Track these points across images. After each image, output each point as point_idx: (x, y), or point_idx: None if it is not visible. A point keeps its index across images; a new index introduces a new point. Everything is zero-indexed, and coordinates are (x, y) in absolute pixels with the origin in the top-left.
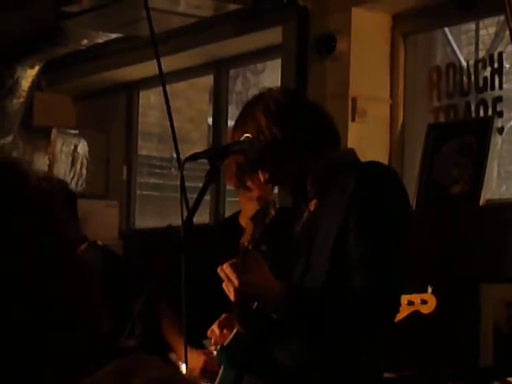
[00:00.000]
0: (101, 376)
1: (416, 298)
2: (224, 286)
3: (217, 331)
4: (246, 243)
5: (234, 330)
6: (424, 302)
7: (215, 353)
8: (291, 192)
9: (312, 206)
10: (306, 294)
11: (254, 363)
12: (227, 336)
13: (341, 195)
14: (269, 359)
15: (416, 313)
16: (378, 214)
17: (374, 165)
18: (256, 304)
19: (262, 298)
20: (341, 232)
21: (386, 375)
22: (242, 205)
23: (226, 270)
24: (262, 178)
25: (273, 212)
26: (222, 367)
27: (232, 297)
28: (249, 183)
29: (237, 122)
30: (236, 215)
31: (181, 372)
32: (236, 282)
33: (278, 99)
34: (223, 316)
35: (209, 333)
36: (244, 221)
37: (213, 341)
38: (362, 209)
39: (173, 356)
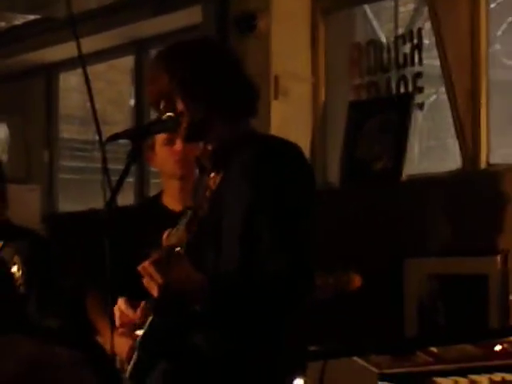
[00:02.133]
0: None
1: (340, 276)
2: (145, 282)
3: (131, 313)
4: (177, 248)
5: (149, 318)
6: (348, 280)
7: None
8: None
9: (211, 180)
10: (226, 285)
11: (170, 348)
12: (143, 315)
13: (242, 173)
14: (184, 344)
15: (341, 291)
16: (283, 194)
17: (274, 139)
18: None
19: (185, 292)
20: (248, 214)
21: (311, 348)
22: (164, 184)
23: (148, 269)
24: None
25: (202, 214)
26: (136, 353)
27: (155, 293)
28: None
29: (152, 75)
30: (158, 195)
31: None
32: (160, 280)
33: (196, 51)
34: (122, 300)
35: (122, 319)
36: (167, 201)
37: (119, 322)
38: (267, 189)
39: (99, 339)
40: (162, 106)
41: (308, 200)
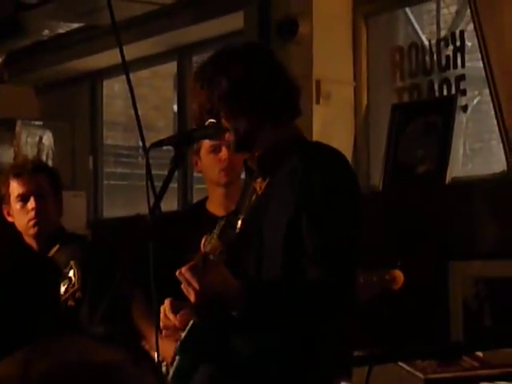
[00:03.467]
0: (9, 360)
1: (384, 274)
2: (183, 288)
3: (172, 317)
4: (210, 256)
5: (191, 322)
6: (392, 277)
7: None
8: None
9: (258, 185)
10: (264, 291)
11: (211, 352)
12: (183, 319)
13: (289, 179)
14: (225, 347)
15: (385, 289)
16: (330, 201)
17: (320, 147)
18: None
19: (222, 298)
20: (292, 221)
21: (356, 353)
22: (209, 191)
23: (185, 274)
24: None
25: (239, 224)
26: (178, 356)
27: (192, 299)
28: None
29: (194, 90)
30: (203, 201)
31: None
32: (196, 286)
33: (242, 56)
34: (168, 302)
35: (164, 321)
36: (212, 207)
37: (162, 324)
38: (313, 197)
39: (145, 344)
40: (207, 116)
41: (354, 208)
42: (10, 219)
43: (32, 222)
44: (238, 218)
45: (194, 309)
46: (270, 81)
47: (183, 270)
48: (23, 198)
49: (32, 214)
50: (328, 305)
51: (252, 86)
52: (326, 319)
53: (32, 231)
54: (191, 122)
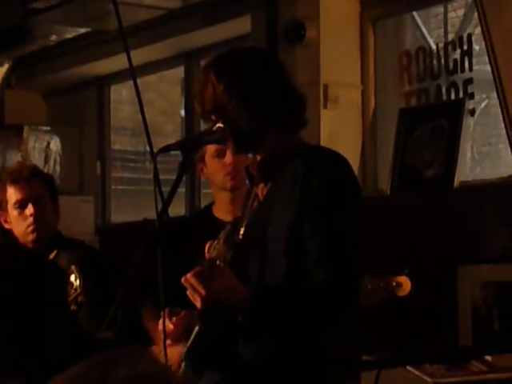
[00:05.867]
0: (83, 367)
1: (391, 281)
2: (189, 294)
3: (170, 325)
4: (217, 261)
5: (196, 328)
6: (399, 284)
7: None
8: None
9: (259, 190)
10: (271, 297)
11: (216, 358)
12: (178, 324)
13: (291, 184)
14: (230, 353)
15: (392, 296)
16: (332, 206)
17: (323, 151)
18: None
19: (229, 304)
20: (295, 226)
21: (365, 358)
22: (215, 196)
23: (190, 281)
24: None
25: (242, 230)
26: (184, 363)
27: (199, 305)
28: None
29: (202, 86)
30: (210, 206)
31: (167, 367)
32: (203, 292)
33: (248, 60)
34: (166, 311)
35: (162, 329)
36: (218, 212)
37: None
38: (315, 201)
39: (154, 349)
40: (213, 117)
41: (355, 212)
42: (7, 226)
43: (31, 228)
44: (243, 223)
45: (199, 315)
46: (279, 84)
47: (188, 276)
48: (21, 205)
49: (30, 219)
50: (335, 307)
51: (263, 86)
52: (333, 321)
53: (31, 237)
54: (199, 125)
